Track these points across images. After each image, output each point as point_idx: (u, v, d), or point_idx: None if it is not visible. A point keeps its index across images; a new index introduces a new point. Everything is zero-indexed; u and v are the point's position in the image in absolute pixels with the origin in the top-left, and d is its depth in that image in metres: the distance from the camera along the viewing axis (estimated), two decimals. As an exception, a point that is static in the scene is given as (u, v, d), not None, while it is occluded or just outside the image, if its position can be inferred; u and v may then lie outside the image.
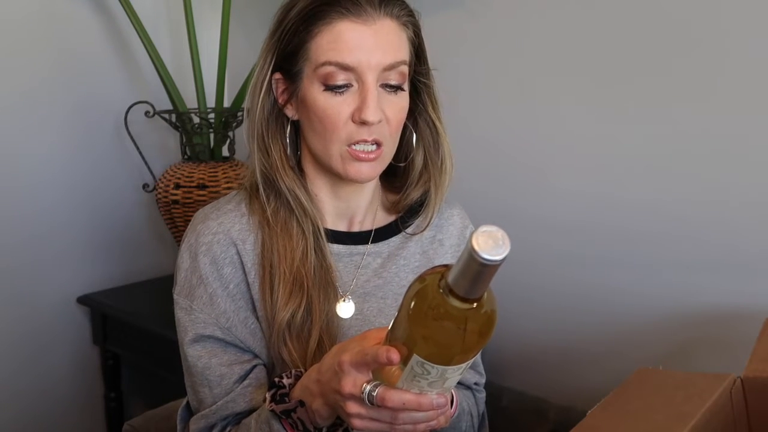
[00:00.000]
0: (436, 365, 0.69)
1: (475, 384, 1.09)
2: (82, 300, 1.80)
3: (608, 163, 1.31)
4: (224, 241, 0.94)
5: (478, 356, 1.10)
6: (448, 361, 0.69)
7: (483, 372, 1.11)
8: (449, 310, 0.65)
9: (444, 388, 0.73)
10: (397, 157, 0.99)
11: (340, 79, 0.88)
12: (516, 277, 1.44)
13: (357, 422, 0.76)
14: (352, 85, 0.88)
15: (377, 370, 0.75)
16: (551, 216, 1.39)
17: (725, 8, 1.15)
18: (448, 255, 1.05)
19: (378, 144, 0.90)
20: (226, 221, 0.95)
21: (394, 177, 1.03)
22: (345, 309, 0.97)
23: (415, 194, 1.01)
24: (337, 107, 0.88)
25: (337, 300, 0.95)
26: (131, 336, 1.73)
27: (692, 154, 1.21)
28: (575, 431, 0.76)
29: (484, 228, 0.60)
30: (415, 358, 0.69)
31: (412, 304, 0.68)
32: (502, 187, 1.46)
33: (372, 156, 0.90)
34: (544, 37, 1.37)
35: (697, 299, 1.22)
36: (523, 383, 1.40)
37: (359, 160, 0.90)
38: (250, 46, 1.74)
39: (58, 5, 1.71)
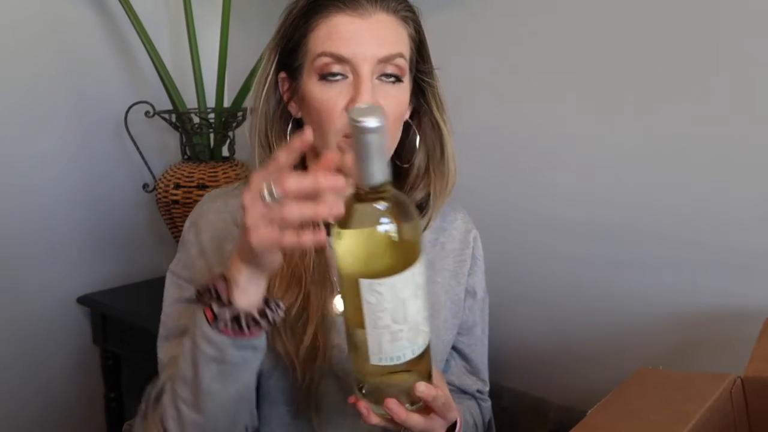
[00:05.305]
0: (383, 281, 0.69)
1: (478, 392, 1.09)
2: (82, 300, 1.80)
3: (608, 162, 1.31)
4: (228, 220, 0.96)
5: (481, 363, 1.09)
6: (389, 269, 0.69)
7: (486, 379, 1.10)
8: (358, 209, 0.69)
9: (409, 322, 0.72)
10: (402, 158, 0.99)
11: (336, 69, 0.88)
12: (516, 277, 1.44)
13: (253, 234, 0.71)
14: (347, 77, 0.88)
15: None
16: (550, 215, 1.39)
17: (726, 8, 1.15)
18: (449, 259, 1.04)
19: None
20: (231, 204, 0.97)
21: (398, 179, 1.03)
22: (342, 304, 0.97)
23: (417, 196, 1.00)
24: (332, 98, 0.88)
25: (333, 296, 0.95)
26: (131, 336, 1.73)
27: (693, 154, 1.21)
28: (575, 431, 0.76)
29: (359, 104, 0.66)
30: (363, 285, 0.69)
31: (336, 233, 0.71)
32: (501, 187, 1.46)
33: None
34: (545, 36, 1.37)
35: (697, 299, 1.22)
36: (524, 383, 1.40)
37: None
38: (250, 46, 1.73)
39: (58, 6, 1.71)
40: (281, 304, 0.81)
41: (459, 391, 1.08)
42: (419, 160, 0.99)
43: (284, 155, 0.72)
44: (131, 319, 1.70)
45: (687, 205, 1.22)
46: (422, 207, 1.01)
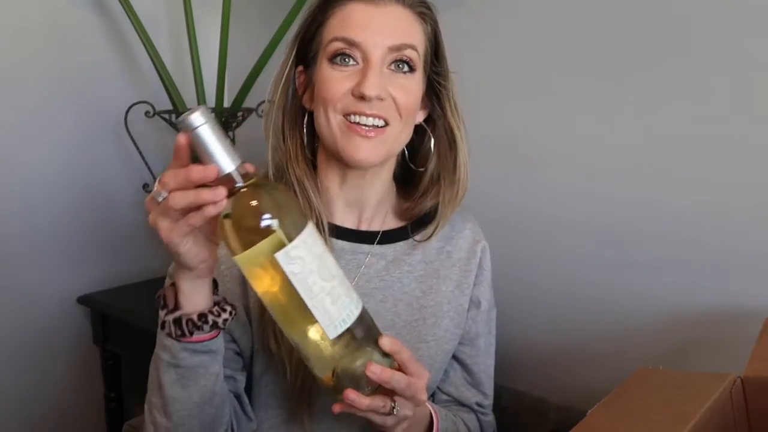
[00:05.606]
0: (295, 243, 0.72)
1: (477, 404, 1.07)
2: (82, 300, 1.80)
3: (608, 162, 1.31)
4: None
5: (484, 376, 1.08)
6: (292, 231, 0.72)
7: (488, 393, 1.09)
8: (228, 206, 0.71)
9: (335, 276, 0.75)
10: (417, 161, 0.99)
11: (346, 52, 0.89)
12: (515, 276, 1.44)
13: (159, 233, 0.73)
14: (358, 64, 0.89)
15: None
16: (550, 215, 1.39)
17: (726, 8, 1.15)
18: (456, 268, 1.04)
19: (383, 123, 0.89)
20: None
21: (411, 184, 1.02)
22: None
23: (427, 203, 1.00)
24: (339, 80, 0.89)
25: None
26: (131, 336, 1.73)
27: (693, 154, 1.21)
28: (575, 431, 0.76)
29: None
30: (281, 258, 0.71)
31: (230, 245, 0.73)
32: (501, 186, 1.46)
33: (371, 134, 0.89)
34: (545, 36, 1.37)
35: (697, 299, 1.22)
36: (524, 383, 1.40)
37: (357, 134, 0.89)
38: (250, 46, 1.74)
39: (58, 6, 1.71)
40: (227, 308, 0.80)
41: (457, 403, 1.07)
42: (432, 166, 0.99)
43: (174, 162, 0.72)
44: (131, 319, 1.69)
45: (687, 205, 1.22)
46: (432, 214, 1.00)
